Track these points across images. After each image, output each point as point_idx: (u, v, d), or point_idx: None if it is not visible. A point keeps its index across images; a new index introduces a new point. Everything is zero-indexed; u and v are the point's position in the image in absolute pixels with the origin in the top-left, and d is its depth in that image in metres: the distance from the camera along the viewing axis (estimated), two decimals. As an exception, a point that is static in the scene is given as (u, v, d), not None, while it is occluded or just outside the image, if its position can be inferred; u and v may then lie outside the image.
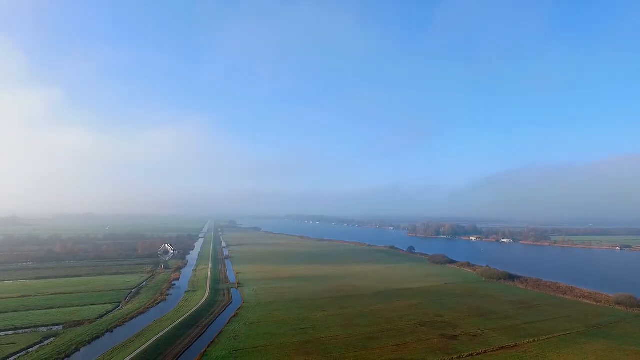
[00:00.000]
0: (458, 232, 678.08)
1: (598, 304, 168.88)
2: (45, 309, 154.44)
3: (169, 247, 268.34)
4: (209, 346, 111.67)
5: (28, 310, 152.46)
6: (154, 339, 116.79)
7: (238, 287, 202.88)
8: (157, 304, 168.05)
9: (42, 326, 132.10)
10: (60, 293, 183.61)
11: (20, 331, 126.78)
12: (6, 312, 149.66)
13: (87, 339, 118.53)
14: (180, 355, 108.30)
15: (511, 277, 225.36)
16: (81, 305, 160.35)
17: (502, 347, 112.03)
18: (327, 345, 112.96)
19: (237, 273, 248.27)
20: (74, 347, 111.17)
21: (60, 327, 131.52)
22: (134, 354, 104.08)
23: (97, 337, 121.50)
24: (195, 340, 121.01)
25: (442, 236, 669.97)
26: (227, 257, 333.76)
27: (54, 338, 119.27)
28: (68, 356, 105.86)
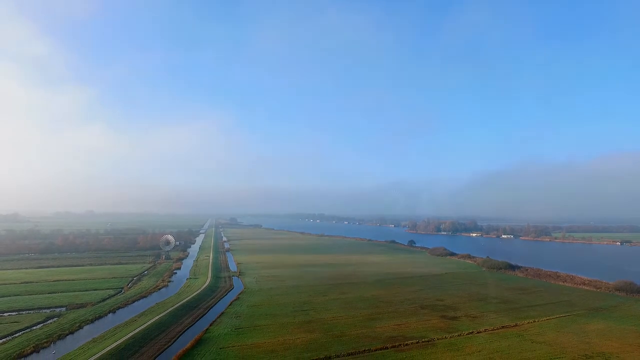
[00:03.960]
0: (458, 228, 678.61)
1: (598, 290, 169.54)
2: (48, 293, 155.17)
3: (171, 238, 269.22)
4: (211, 325, 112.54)
5: (31, 294, 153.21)
6: (156, 317, 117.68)
7: (239, 275, 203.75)
8: (159, 289, 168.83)
9: (45, 308, 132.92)
10: (63, 280, 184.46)
11: (24, 312, 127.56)
12: (9, 295, 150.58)
13: (90, 318, 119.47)
14: (183, 332, 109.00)
15: (511, 267, 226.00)
16: (83, 291, 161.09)
17: (503, 327, 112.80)
18: (329, 324, 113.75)
19: (238, 263, 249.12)
20: (77, 325, 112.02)
21: (64, 308, 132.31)
22: (137, 330, 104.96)
23: (100, 317, 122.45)
24: (198, 319, 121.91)
25: (443, 232, 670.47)
26: (228, 250, 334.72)
27: (57, 318, 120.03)
28: (72, 333, 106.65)
